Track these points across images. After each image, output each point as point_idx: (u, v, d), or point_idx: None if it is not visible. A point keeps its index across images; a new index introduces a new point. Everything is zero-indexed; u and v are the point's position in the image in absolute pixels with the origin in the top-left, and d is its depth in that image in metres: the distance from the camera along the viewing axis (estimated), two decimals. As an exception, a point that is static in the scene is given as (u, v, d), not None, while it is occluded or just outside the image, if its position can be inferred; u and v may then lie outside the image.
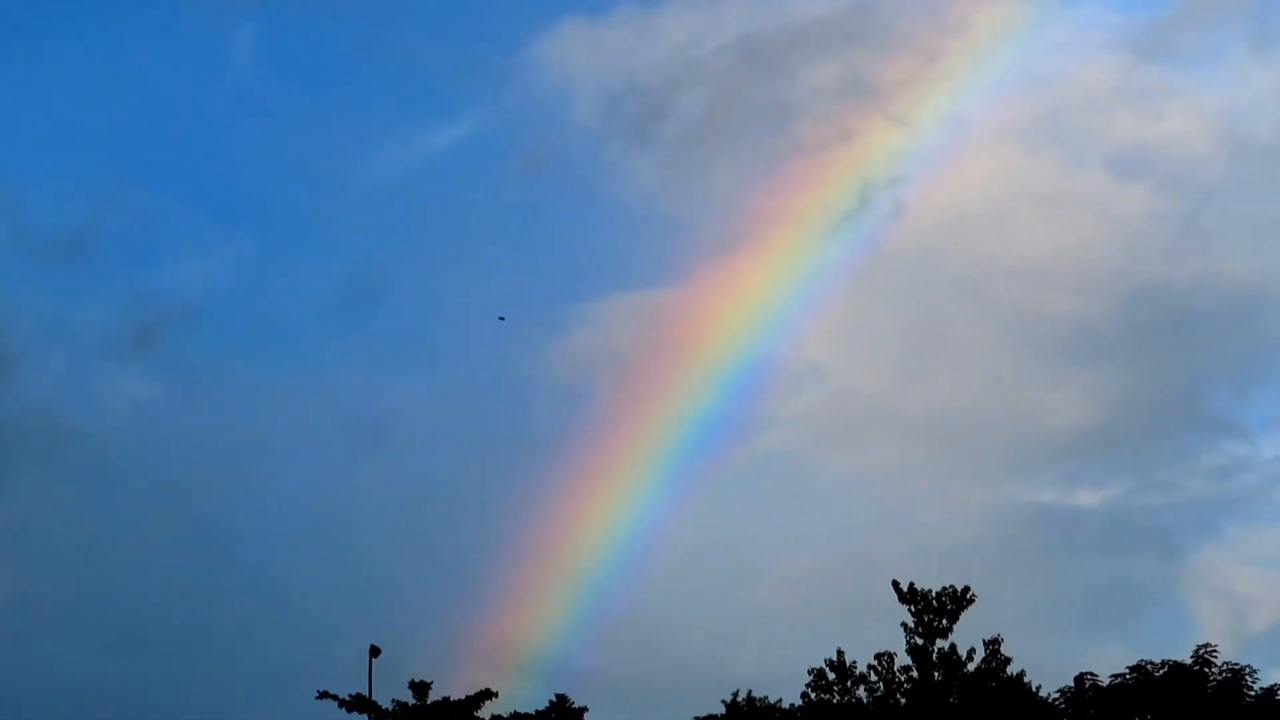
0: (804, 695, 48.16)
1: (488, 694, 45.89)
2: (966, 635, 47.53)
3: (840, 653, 48.25)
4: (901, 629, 47.26)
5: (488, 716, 46.71)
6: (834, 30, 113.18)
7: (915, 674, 46.85)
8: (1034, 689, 46.80)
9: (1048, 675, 48.38)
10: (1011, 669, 47.05)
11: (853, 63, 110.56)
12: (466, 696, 45.65)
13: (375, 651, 45.84)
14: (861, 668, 47.92)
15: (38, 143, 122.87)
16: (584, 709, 49.17)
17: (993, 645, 46.91)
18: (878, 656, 47.59)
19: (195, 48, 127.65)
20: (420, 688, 45.69)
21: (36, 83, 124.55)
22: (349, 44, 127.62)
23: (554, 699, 49.20)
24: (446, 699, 45.59)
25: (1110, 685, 46.41)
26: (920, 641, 46.78)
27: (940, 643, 46.91)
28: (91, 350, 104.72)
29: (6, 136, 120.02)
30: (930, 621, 46.66)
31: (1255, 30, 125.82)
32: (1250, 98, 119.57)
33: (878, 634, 48.57)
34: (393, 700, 45.37)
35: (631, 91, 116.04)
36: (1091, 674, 46.81)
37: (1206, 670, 46.59)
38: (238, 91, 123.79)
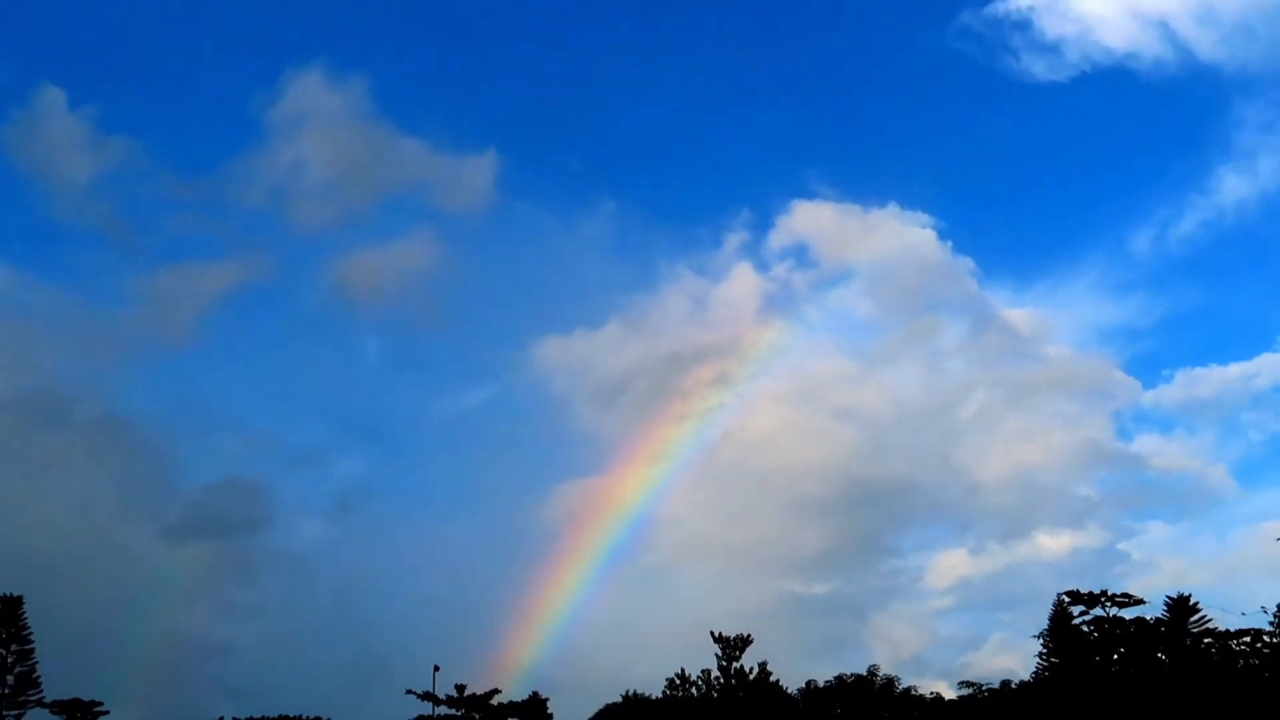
0: (664, 693, 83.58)
1: (495, 691, 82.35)
2: (750, 661, 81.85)
3: (682, 670, 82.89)
4: (714, 658, 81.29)
5: (495, 703, 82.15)
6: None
7: (720, 681, 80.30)
8: (785, 689, 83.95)
9: (795, 681, 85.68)
10: (774, 679, 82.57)
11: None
12: (484, 691, 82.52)
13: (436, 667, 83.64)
14: (695, 678, 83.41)
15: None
16: (546, 699, 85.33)
17: (762, 666, 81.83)
18: (703, 672, 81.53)
19: (336, 348, 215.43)
20: (460, 689, 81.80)
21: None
22: (433, 342, 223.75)
23: (531, 695, 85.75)
24: (474, 694, 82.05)
25: (824, 687, 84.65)
26: (724, 664, 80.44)
27: (735, 665, 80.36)
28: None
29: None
30: (729, 653, 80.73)
31: (915, 345, 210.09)
32: (905, 378, 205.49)
33: (705, 661, 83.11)
34: (445, 694, 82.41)
35: (584, 374, 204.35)
36: (814, 681, 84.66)
37: (873, 679, 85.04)
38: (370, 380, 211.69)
